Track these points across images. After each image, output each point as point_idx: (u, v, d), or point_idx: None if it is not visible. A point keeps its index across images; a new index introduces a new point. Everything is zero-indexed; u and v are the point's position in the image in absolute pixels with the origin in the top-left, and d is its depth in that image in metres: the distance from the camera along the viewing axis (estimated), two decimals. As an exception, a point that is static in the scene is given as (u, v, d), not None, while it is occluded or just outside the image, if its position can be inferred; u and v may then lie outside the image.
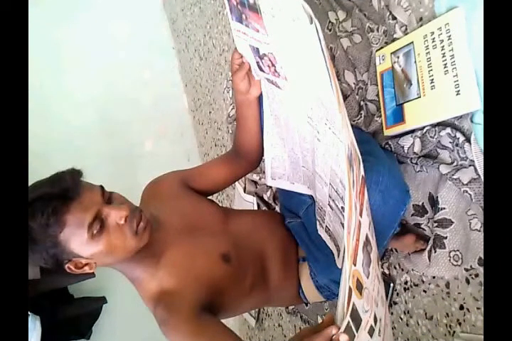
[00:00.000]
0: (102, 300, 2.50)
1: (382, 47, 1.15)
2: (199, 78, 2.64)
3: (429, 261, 1.09)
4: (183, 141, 2.90)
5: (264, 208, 1.80)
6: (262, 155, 1.11)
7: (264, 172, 1.27)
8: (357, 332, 0.64)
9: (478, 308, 1.04)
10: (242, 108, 1.04)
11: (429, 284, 1.16)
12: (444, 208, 1.03)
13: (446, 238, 1.04)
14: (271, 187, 1.69)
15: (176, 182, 1.10)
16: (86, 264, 0.89)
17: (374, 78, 1.17)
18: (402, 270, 1.24)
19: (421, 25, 1.04)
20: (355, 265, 0.66)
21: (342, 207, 0.83)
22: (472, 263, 1.04)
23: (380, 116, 1.14)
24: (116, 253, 0.89)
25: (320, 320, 1.63)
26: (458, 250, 1.04)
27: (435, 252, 1.07)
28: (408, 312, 1.24)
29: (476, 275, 1.04)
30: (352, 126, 0.78)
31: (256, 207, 1.81)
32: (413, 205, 1.11)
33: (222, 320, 0.91)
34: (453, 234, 1.03)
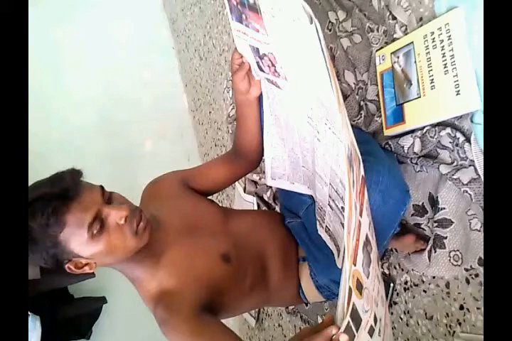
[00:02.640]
0: (102, 300, 2.50)
1: (382, 47, 1.15)
2: (199, 78, 2.64)
3: (429, 261, 1.09)
4: (183, 141, 2.90)
5: (264, 208, 1.80)
6: (262, 155, 1.11)
7: (264, 172, 1.27)
8: (357, 332, 0.64)
9: (478, 308, 1.04)
10: (242, 108, 1.04)
11: (429, 284, 1.16)
12: (444, 208, 1.03)
13: (446, 238, 1.04)
14: (271, 187, 1.69)
15: (175, 182, 1.10)
16: (86, 264, 0.89)
17: (374, 78, 1.17)
18: (402, 270, 1.24)
19: (421, 25, 1.04)
20: (355, 265, 0.66)
21: (342, 207, 0.83)
22: (472, 263, 1.04)
23: (380, 116, 1.14)
24: (116, 253, 0.89)
25: (320, 320, 1.63)
26: (458, 250, 1.04)
27: (435, 252, 1.07)
28: (408, 312, 1.24)
29: (476, 275, 1.04)
30: (352, 126, 0.78)
31: (256, 207, 1.81)
32: (413, 205, 1.11)
33: (222, 320, 0.91)
34: (453, 234, 1.03)
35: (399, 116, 1.07)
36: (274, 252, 1.12)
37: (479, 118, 0.94)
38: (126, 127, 2.78)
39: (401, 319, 1.27)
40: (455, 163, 1.01)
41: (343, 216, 0.69)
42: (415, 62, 1.02)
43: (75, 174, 0.88)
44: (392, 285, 1.26)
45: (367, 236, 0.75)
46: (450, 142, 1.01)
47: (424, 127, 1.02)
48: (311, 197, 1.11)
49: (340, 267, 0.91)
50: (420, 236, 1.13)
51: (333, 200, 0.88)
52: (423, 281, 1.18)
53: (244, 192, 1.90)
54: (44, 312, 2.06)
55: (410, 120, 1.04)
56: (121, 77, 2.78)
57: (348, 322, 0.62)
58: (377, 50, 1.16)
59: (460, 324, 1.09)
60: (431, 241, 1.08)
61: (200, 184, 1.12)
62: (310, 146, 0.92)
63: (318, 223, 1.03)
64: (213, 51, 2.37)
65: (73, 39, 2.75)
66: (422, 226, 1.12)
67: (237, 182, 1.90)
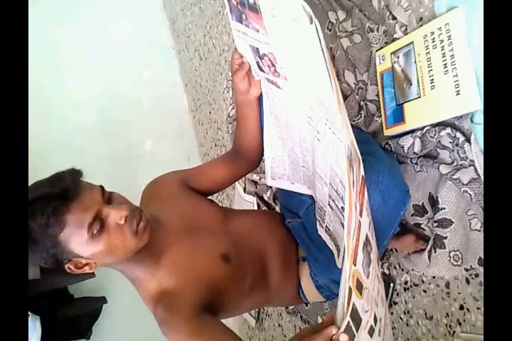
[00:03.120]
0: (102, 300, 2.50)
1: (382, 47, 1.15)
2: (199, 78, 2.64)
3: (429, 261, 1.09)
4: (183, 141, 2.90)
5: (264, 208, 1.80)
6: (262, 155, 1.11)
7: (264, 172, 1.27)
8: (357, 332, 0.64)
9: (478, 308, 1.04)
10: (242, 108, 1.04)
11: (429, 284, 1.16)
12: (444, 208, 1.03)
13: (446, 238, 1.04)
14: (271, 187, 1.69)
15: (175, 182, 1.10)
16: (86, 264, 0.89)
17: (374, 78, 1.17)
18: (402, 270, 1.24)
19: (421, 25, 1.04)
20: (355, 265, 0.66)
21: (342, 207, 0.83)
22: (472, 263, 1.04)
23: (380, 116, 1.14)
24: (116, 254, 0.89)
25: (320, 320, 1.63)
26: (458, 250, 1.04)
27: (435, 252, 1.07)
28: (408, 312, 1.24)
29: (476, 275, 1.04)
30: (352, 126, 0.78)
31: (256, 207, 1.81)
32: (413, 205, 1.11)
33: (222, 320, 0.91)
34: (453, 234, 1.03)
35: (399, 116, 1.07)
36: (274, 252, 1.12)
37: (479, 118, 0.94)
38: (126, 127, 2.78)
39: (401, 319, 1.27)
40: (455, 163, 1.01)
41: (343, 216, 0.69)
42: (415, 62, 1.02)
43: (75, 174, 0.88)
44: (392, 285, 1.26)
45: (367, 236, 0.75)
46: (450, 142, 1.01)
47: (424, 127, 1.02)
48: (311, 197, 1.11)
49: (340, 267, 0.91)
50: (420, 236, 1.13)
51: (333, 200, 0.88)
52: (423, 281, 1.18)
53: (244, 192, 1.90)
54: (44, 312, 2.06)
55: (410, 120, 1.04)
56: (121, 77, 2.78)
57: (348, 322, 0.62)
58: (377, 50, 1.16)
59: (460, 324, 1.09)
60: (431, 241, 1.08)
61: (200, 184, 1.12)
62: (310, 146, 0.92)
63: (318, 223, 1.03)
64: (213, 51, 2.37)
65: (73, 39, 2.75)
66: (422, 226, 1.12)
67: (237, 182, 1.90)
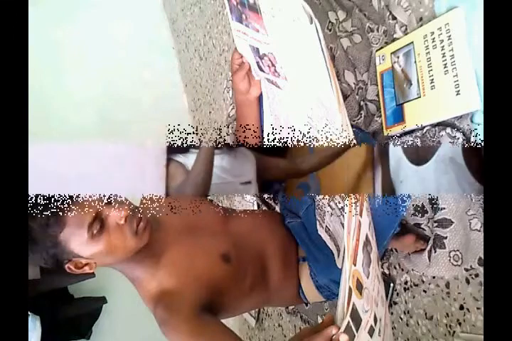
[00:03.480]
0: (102, 300, 2.50)
1: (382, 47, 1.15)
2: (199, 78, 2.64)
3: (429, 261, 1.09)
4: (183, 141, 2.90)
5: (264, 208, 1.79)
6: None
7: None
8: (357, 332, 0.64)
9: (478, 308, 1.04)
10: (242, 108, 1.04)
11: (429, 284, 1.16)
12: (444, 208, 1.03)
13: (446, 238, 1.04)
14: (271, 187, 1.69)
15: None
16: (86, 264, 0.89)
17: (374, 78, 1.17)
18: (402, 270, 1.24)
19: (421, 25, 1.03)
20: (355, 265, 0.66)
21: (342, 207, 0.83)
22: (472, 263, 1.04)
23: (380, 116, 1.14)
24: (116, 254, 0.89)
25: (320, 320, 1.63)
26: (458, 250, 1.04)
27: (435, 252, 1.07)
28: (408, 312, 1.24)
29: (476, 275, 1.04)
30: (352, 126, 0.78)
31: (256, 207, 1.81)
32: (413, 205, 1.11)
33: (222, 320, 0.91)
34: (453, 234, 1.03)
35: (399, 116, 1.07)
36: (274, 252, 1.12)
37: (479, 118, 0.94)
38: (126, 127, 2.78)
39: (401, 319, 1.27)
40: (455, 163, 1.01)
41: (343, 216, 0.69)
42: (415, 62, 1.02)
43: (75, 174, 0.88)
44: (392, 285, 1.26)
45: (367, 236, 0.75)
46: (450, 142, 1.01)
47: (424, 127, 1.02)
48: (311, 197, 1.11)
49: (340, 267, 0.91)
50: (420, 236, 1.13)
51: (333, 200, 0.88)
52: (423, 281, 1.18)
53: (245, 192, 1.90)
54: (44, 312, 2.07)
55: (410, 120, 1.04)
56: (121, 77, 2.78)
57: (348, 322, 0.62)
58: (377, 50, 1.16)
59: (460, 324, 1.09)
60: (431, 241, 1.08)
61: (200, 184, 1.12)
62: (310, 146, 0.92)
63: (318, 223, 1.03)
64: (213, 51, 2.37)
65: (73, 39, 2.75)
66: (422, 226, 1.12)
67: (237, 182, 1.89)
